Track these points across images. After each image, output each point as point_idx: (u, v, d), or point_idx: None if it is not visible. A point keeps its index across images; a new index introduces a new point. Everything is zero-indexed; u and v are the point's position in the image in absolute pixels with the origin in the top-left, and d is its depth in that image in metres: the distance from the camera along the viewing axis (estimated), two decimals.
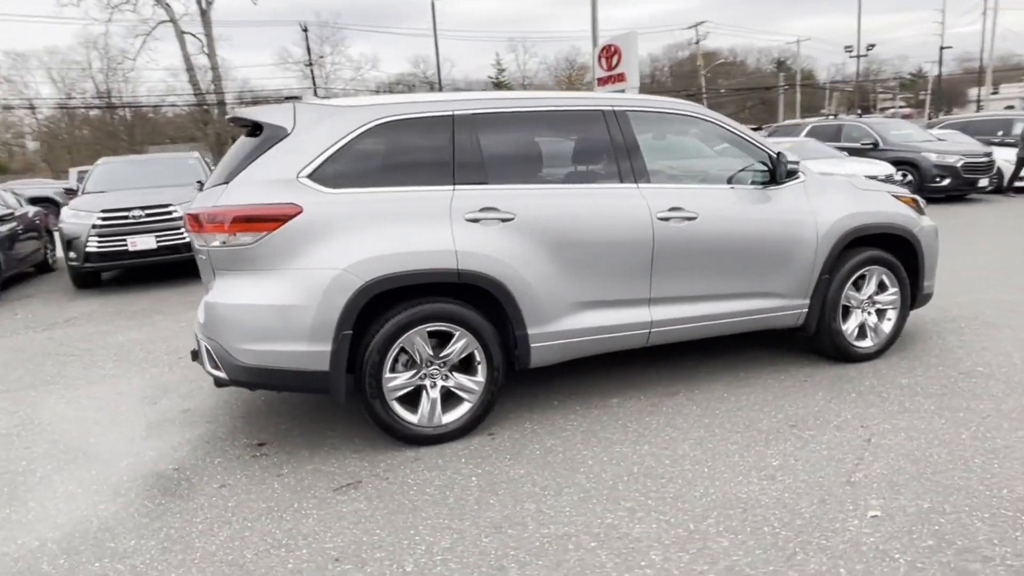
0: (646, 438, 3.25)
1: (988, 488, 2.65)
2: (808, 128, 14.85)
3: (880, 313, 4.24)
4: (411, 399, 3.25)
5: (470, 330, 3.23)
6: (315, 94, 37.92)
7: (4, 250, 7.92)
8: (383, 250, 3.03)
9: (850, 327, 4.11)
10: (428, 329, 3.18)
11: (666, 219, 3.53)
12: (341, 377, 3.04)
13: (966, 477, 2.75)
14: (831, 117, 18.48)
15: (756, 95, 60.60)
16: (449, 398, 3.31)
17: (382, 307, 3.14)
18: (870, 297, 4.16)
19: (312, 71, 36.88)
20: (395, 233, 3.07)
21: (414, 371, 3.21)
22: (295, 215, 2.96)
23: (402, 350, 3.17)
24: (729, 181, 3.85)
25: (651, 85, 63.66)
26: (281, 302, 2.96)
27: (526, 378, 4.03)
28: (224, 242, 2.96)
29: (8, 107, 51.58)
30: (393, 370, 3.18)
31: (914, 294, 4.31)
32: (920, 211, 4.33)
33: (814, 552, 2.31)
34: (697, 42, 49.20)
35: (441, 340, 3.25)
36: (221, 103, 35.40)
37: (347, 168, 3.09)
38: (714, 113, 3.90)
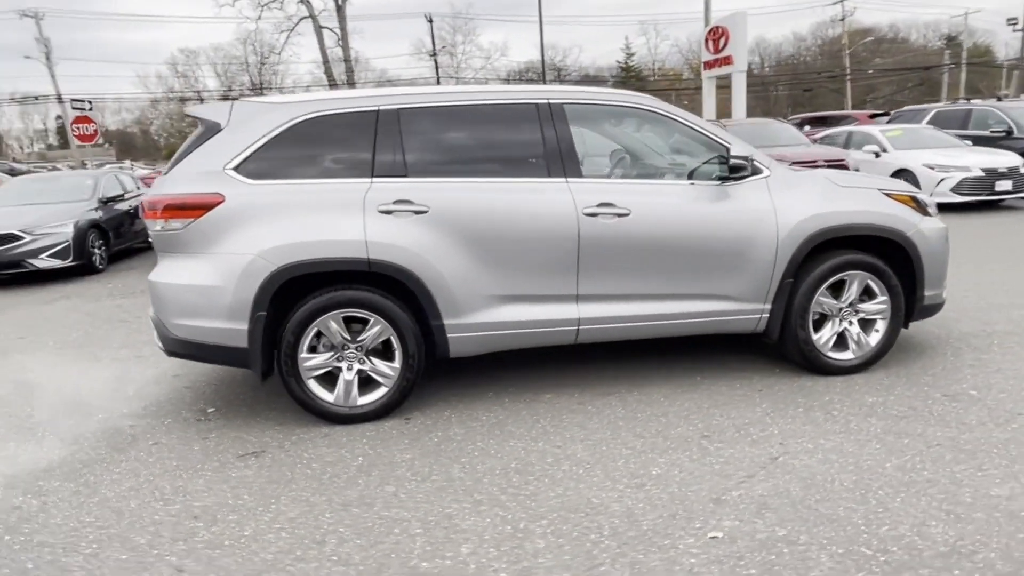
0: (548, 435, 3.23)
1: (867, 523, 2.40)
2: (932, 114, 13.31)
3: (867, 323, 3.85)
4: (334, 379, 3.45)
5: (385, 317, 3.37)
6: (438, 82, 39.33)
7: (113, 227, 9.12)
8: (294, 238, 3.24)
9: (824, 336, 3.78)
10: (343, 315, 3.36)
11: (593, 215, 3.44)
12: (258, 354, 3.30)
13: (852, 509, 2.49)
14: (960, 101, 16.33)
15: (918, 75, 54.58)
16: (368, 381, 3.47)
17: (304, 291, 3.36)
18: (851, 305, 3.79)
19: (436, 61, 38.16)
20: (308, 223, 3.26)
21: (331, 353, 3.41)
22: (218, 204, 3.24)
23: (321, 333, 3.37)
24: (690, 176, 3.67)
25: (795, 65, 59.29)
26: (204, 283, 3.26)
27: (474, 366, 4.11)
28: (161, 227, 3.31)
29: (183, 99, 58.34)
30: (314, 351, 3.39)
31: (911, 304, 3.87)
32: (922, 211, 3.86)
33: (622, 566, 2.23)
34: (843, 18, 45.08)
35: (363, 326, 3.41)
36: None
37: (270, 161, 3.32)
38: (665, 105, 3.71)
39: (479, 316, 3.46)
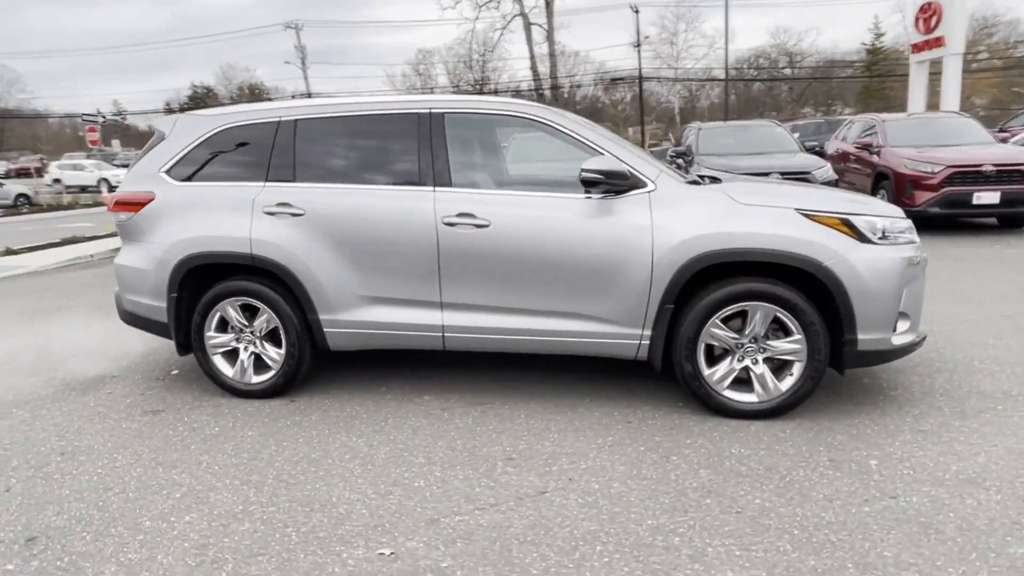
0: (377, 434, 3.37)
1: (551, 560, 2.22)
2: None
3: (783, 363, 3.33)
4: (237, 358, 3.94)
5: (271, 308, 3.76)
6: (640, 73, 38.68)
7: None
8: (195, 233, 3.76)
9: (718, 373, 3.35)
10: (240, 302, 3.82)
11: (452, 224, 3.46)
12: (173, 329, 3.90)
13: (547, 560, 2.32)
14: None
15: None
16: (262, 363, 3.90)
17: (218, 278, 3.88)
18: (756, 341, 3.31)
19: (640, 52, 37.57)
20: (208, 220, 3.76)
21: (233, 335, 3.89)
22: (150, 201, 3.89)
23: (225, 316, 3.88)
24: (568, 188, 3.49)
25: None
26: (139, 266, 3.93)
27: (393, 362, 4.34)
28: (118, 219, 4.05)
29: (426, 95, 64.68)
30: (223, 330, 3.90)
31: (838, 346, 3.26)
32: (857, 237, 3.20)
33: (277, 558, 2.37)
34: None
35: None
36: (555, 87, 38.76)
37: (192, 165, 3.88)
38: (553, 115, 3.54)
39: (351, 314, 3.69)
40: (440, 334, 3.62)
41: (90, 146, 23.32)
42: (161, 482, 2.96)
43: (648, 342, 3.41)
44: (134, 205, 3.92)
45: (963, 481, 2.72)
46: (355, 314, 3.68)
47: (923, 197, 8.55)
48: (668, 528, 2.47)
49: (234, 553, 2.42)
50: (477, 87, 57.02)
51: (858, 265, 3.16)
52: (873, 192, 9.56)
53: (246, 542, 2.49)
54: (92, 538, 2.55)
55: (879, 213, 3.34)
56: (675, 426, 3.34)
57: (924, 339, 3.48)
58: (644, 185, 3.35)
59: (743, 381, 3.37)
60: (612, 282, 3.34)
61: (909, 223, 3.46)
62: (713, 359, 3.40)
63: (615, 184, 3.29)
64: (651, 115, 59.60)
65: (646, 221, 3.31)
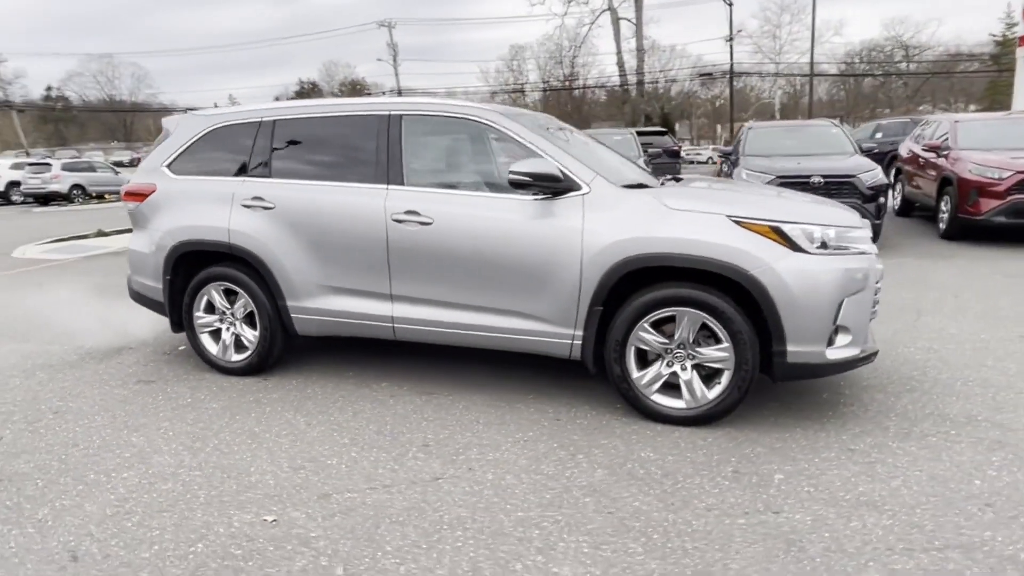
0: (319, 415, 3.61)
1: (409, 540, 2.38)
2: None
3: (714, 371, 3.30)
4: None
5: (247, 292, 4.10)
6: (731, 68, 37.28)
7: None
8: (185, 222, 4.15)
9: (646, 377, 3.36)
10: (221, 287, 4.18)
11: (400, 221, 3.65)
12: (167, 308, 4.33)
13: (406, 548, 2.47)
14: None
15: None
16: (241, 343, 4.25)
17: (202, 264, 4.25)
18: (683, 346, 3.29)
19: (731, 45, 36.17)
20: (197, 210, 4.14)
21: (218, 316, 4.26)
22: (151, 192, 4.32)
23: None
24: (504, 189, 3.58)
25: None
26: (142, 250, 4.38)
27: (367, 348, 4.59)
28: (128, 208, 4.52)
29: (515, 91, 65.43)
30: (210, 311, 4.29)
31: (767, 357, 3.19)
32: (790, 246, 3.11)
33: (166, 516, 2.65)
34: None
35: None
36: (640, 82, 38.11)
37: (188, 161, 4.27)
38: (499, 117, 3.62)
39: (315, 302, 3.96)
40: (391, 325, 3.82)
41: None
42: (120, 443, 3.34)
43: (580, 342, 3.46)
44: (140, 195, 4.37)
45: (861, 503, 2.62)
46: (317, 302, 3.95)
47: (988, 205, 7.90)
48: (533, 521, 2.55)
49: (146, 507, 2.72)
50: (566, 83, 56.99)
51: (786, 275, 3.08)
52: (937, 200, 8.91)
53: (160, 499, 2.79)
54: (43, 484, 2.94)
55: (822, 221, 3.22)
56: (600, 427, 3.38)
57: (872, 355, 3.32)
58: (579, 188, 3.40)
59: (675, 387, 3.36)
60: (546, 282, 3.42)
61: (864, 232, 3.32)
62: (646, 363, 3.41)
63: (544, 186, 3.36)
64: (748, 111, 57.34)
65: (578, 224, 3.36)
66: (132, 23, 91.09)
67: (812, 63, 28.54)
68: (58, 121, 68.98)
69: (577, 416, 3.51)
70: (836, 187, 7.83)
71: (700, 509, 2.61)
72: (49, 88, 70.26)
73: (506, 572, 2.26)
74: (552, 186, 3.37)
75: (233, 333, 4.24)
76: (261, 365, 4.21)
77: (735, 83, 57.44)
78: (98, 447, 3.30)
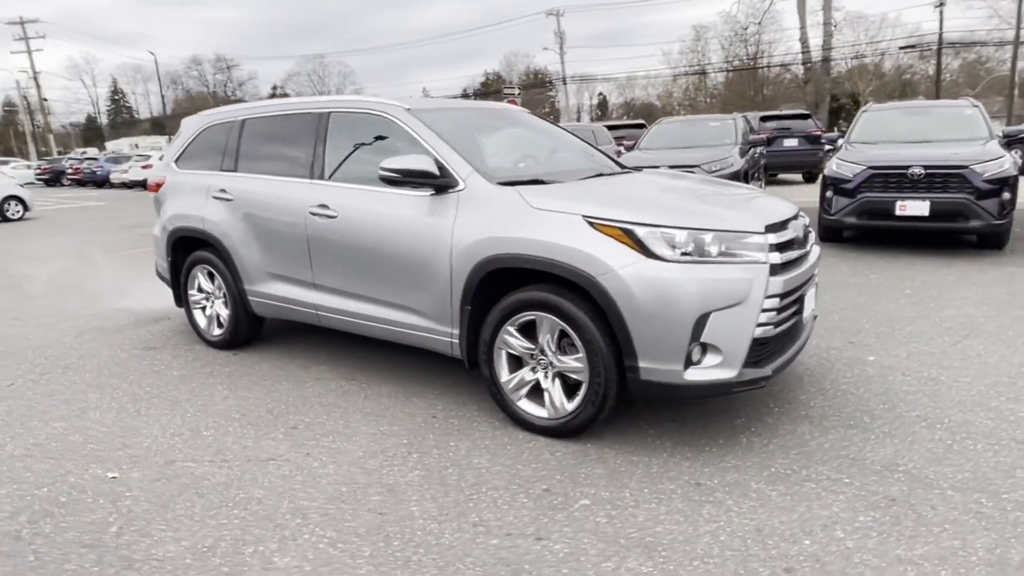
0: (236, 388, 3.95)
1: (193, 507, 2.61)
2: None
3: (578, 383, 3.09)
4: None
5: (220, 275, 4.57)
6: (939, 39, 32.16)
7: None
8: (178, 211, 4.72)
9: (513, 382, 3.24)
10: (205, 269, 4.70)
11: (315, 214, 3.84)
12: (172, 286, 4.96)
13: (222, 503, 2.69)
14: None
15: None
16: (219, 320, 4.75)
17: (192, 248, 4.80)
18: (544, 353, 3.12)
19: (941, 12, 31.03)
20: (186, 201, 4.68)
21: (204, 295, 4.80)
22: (162, 184, 4.96)
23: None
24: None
25: None
26: (156, 234, 5.06)
27: (354, 343, 4.88)
28: (152, 197, 5.22)
29: (699, 72, 62.72)
30: (200, 290, 4.85)
31: (620, 371, 2.91)
32: (643, 251, 2.79)
33: (31, 460, 3.11)
34: None
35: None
36: (826, 59, 34.39)
37: (188, 156, 4.83)
38: (402, 113, 3.62)
39: (263, 287, 4.31)
40: (316, 312, 4.05)
41: None
42: (84, 398, 3.95)
43: (457, 341, 3.41)
44: (156, 186, 5.04)
45: (639, 544, 2.33)
46: (266, 287, 4.30)
47: None
48: (304, 511, 2.63)
49: (32, 449, 3.23)
50: (750, 62, 53.22)
51: (632, 283, 2.78)
52: None
53: (49, 444, 3.29)
54: (2, 424, 3.59)
55: (696, 225, 2.84)
56: (465, 428, 3.32)
57: (756, 381, 2.87)
58: (456, 184, 3.33)
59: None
60: (426, 278, 3.41)
61: (761, 240, 2.88)
62: (521, 367, 3.27)
63: (416, 182, 3.34)
64: (976, 86, 49.07)
65: (450, 221, 3.30)
66: (343, 25, 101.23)
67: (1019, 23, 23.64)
68: None
69: (455, 416, 3.47)
70: (941, 180, 6.61)
71: (466, 524, 2.50)
72: (274, 87, 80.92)
73: (235, 553, 2.38)
74: (426, 182, 3.34)
75: (215, 311, 4.75)
76: (232, 341, 4.68)
77: (966, 55, 49.42)
78: (61, 399, 3.93)
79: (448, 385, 3.86)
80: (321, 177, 3.92)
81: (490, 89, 70.74)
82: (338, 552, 2.36)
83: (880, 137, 7.88)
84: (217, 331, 4.75)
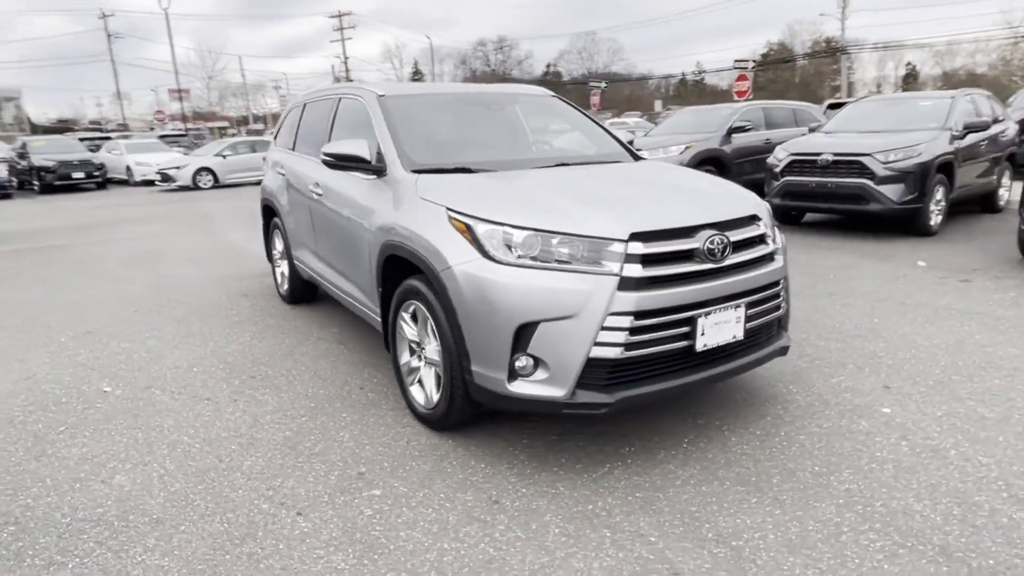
0: (269, 339, 4.58)
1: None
2: None
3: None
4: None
5: (283, 240, 5.28)
6: None
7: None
8: (263, 183, 5.52)
9: (407, 367, 3.29)
10: (277, 233, 5.46)
11: (312, 191, 4.24)
12: (265, 245, 5.84)
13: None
14: None
15: None
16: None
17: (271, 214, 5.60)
18: (421, 342, 3.13)
19: None
20: (269, 174, 5.45)
21: (278, 254, 5.58)
22: (266, 158, 5.81)
23: None
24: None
25: None
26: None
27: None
28: None
29: None
30: (277, 250, 5.64)
31: (463, 371, 2.82)
32: (479, 249, 2.63)
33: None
34: None
35: None
36: None
37: (279, 135, 5.55)
38: (372, 100, 3.78)
39: (299, 253, 4.89)
40: (323, 281, 4.49)
41: (592, 108, 27.96)
42: (161, 328, 4.96)
43: (381, 320, 3.55)
44: (264, 160, 5.94)
45: (474, 570, 2.26)
46: (300, 253, 4.87)
47: None
48: (181, 441, 3.07)
49: (89, 360, 4.19)
50: None
51: (463, 281, 2.65)
52: None
53: (100, 359, 4.23)
54: (92, 342, 4.71)
55: (545, 227, 2.58)
56: (371, 403, 3.47)
57: (595, 406, 2.54)
58: (383, 170, 3.44)
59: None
60: (360, 258, 3.61)
61: (618, 249, 2.53)
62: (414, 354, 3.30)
63: (350, 166, 3.49)
64: None
65: (374, 205, 3.43)
66: (618, 2, 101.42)
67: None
68: None
69: (377, 391, 3.63)
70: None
71: (297, 511, 2.61)
72: (548, 66, 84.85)
73: (113, 460, 2.91)
74: (358, 167, 3.48)
75: (284, 270, 5.49)
76: (291, 298, 5.38)
77: None
78: (145, 326, 4.99)
79: None
80: None
81: (768, 60, 65.30)
82: (132, 527, 2.75)
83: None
84: (285, 287, 5.50)
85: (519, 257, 2.59)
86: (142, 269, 7.25)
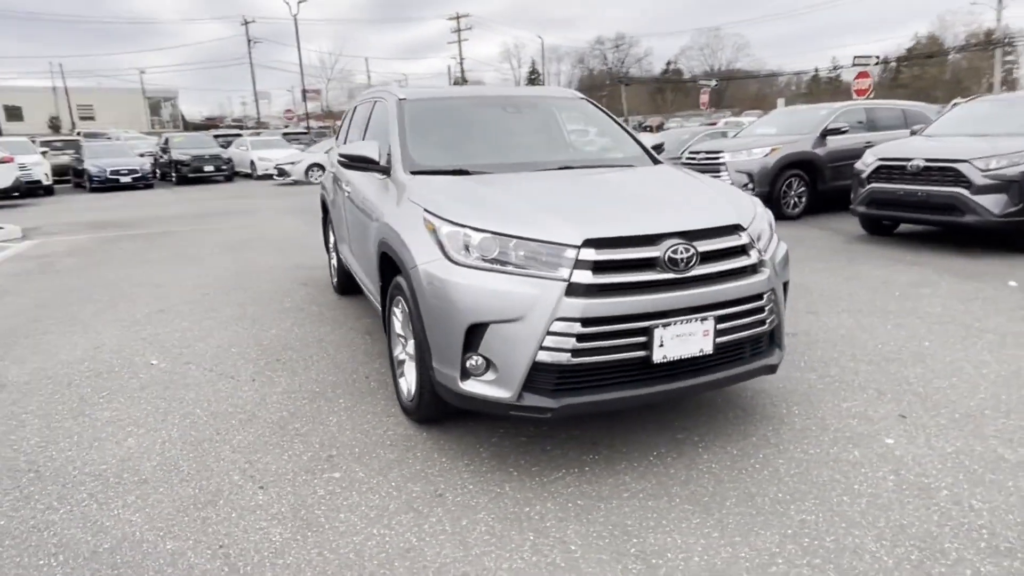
0: (308, 322, 4.92)
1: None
2: None
3: None
4: None
5: (333, 232, 5.62)
6: None
7: None
8: (323, 180, 5.88)
9: (398, 358, 3.43)
10: (330, 227, 5.81)
11: (345, 189, 4.50)
12: (324, 236, 6.23)
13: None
14: None
15: None
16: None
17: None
18: (404, 337, 3.26)
19: None
20: (328, 172, 5.81)
21: (331, 245, 5.93)
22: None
23: None
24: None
25: None
26: None
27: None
28: None
29: None
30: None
31: (427, 366, 2.92)
32: (441, 249, 2.71)
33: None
34: None
35: None
36: None
37: (341, 135, 5.93)
38: (393, 103, 3.94)
39: (342, 248, 5.19)
40: (352, 272, 4.75)
41: (701, 106, 26.78)
42: (220, 310, 5.44)
43: (382, 313, 3.73)
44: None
45: (390, 557, 2.45)
46: (341, 246, 5.18)
47: None
48: (132, 457, 3.39)
49: (148, 338, 4.69)
50: None
51: (425, 280, 2.75)
52: None
53: (158, 337, 4.71)
54: (158, 320, 5.25)
55: (503, 231, 2.63)
56: (368, 391, 3.65)
57: (540, 410, 2.55)
58: (388, 171, 3.59)
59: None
60: (369, 254, 3.80)
61: (570, 255, 2.53)
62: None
63: (361, 167, 3.68)
64: None
65: (379, 203, 3.60)
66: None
67: None
68: (664, 92, 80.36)
69: (376, 380, 3.81)
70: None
71: (243, 510, 2.90)
72: (668, 63, 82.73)
73: (114, 424, 3.29)
74: (368, 167, 3.66)
75: (333, 263, 5.84)
76: (340, 289, 5.71)
77: None
78: (207, 307, 5.48)
79: None
80: None
81: (914, 55, 60.06)
82: (75, 509, 3.07)
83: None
84: (335, 279, 5.84)
85: (476, 259, 2.64)
86: (231, 256, 7.94)
